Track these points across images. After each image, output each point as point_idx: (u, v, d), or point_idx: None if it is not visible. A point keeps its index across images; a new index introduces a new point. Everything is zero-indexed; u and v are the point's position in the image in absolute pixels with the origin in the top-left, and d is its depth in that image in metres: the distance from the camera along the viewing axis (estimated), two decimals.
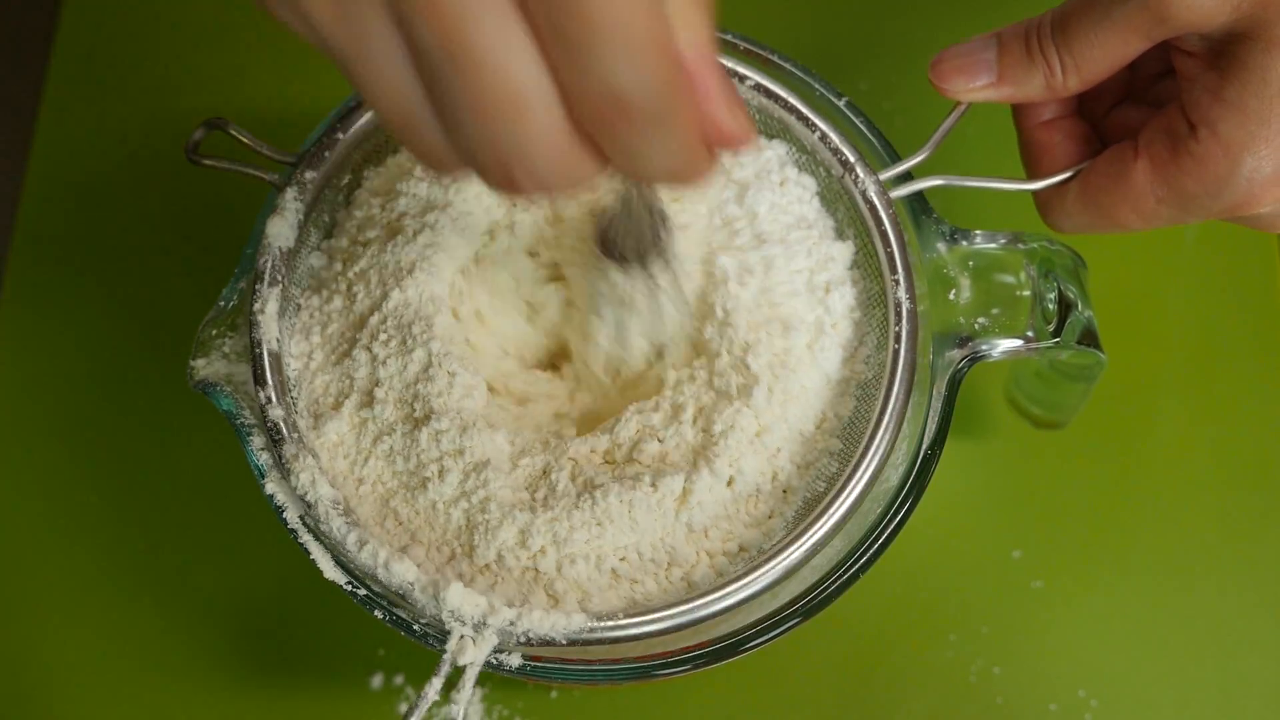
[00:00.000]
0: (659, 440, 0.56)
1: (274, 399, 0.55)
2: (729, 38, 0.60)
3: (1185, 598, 0.70)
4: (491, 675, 0.65)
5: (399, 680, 0.68)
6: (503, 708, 0.68)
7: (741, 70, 0.59)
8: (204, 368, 0.56)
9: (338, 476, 0.55)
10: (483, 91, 0.37)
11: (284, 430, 0.54)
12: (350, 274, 0.58)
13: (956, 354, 0.56)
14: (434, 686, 0.50)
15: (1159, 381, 0.74)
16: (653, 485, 0.54)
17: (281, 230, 0.57)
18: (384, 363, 0.56)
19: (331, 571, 0.53)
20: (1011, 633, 0.70)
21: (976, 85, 0.56)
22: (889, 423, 0.54)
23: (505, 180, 0.40)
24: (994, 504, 0.72)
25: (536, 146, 0.38)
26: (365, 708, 0.68)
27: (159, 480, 0.72)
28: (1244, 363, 0.75)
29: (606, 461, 0.57)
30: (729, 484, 0.55)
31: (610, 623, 0.51)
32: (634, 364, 0.59)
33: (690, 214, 0.59)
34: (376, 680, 0.68)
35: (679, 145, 0.39)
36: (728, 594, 0.52)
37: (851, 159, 0.58)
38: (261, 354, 0.55)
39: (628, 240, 0.52)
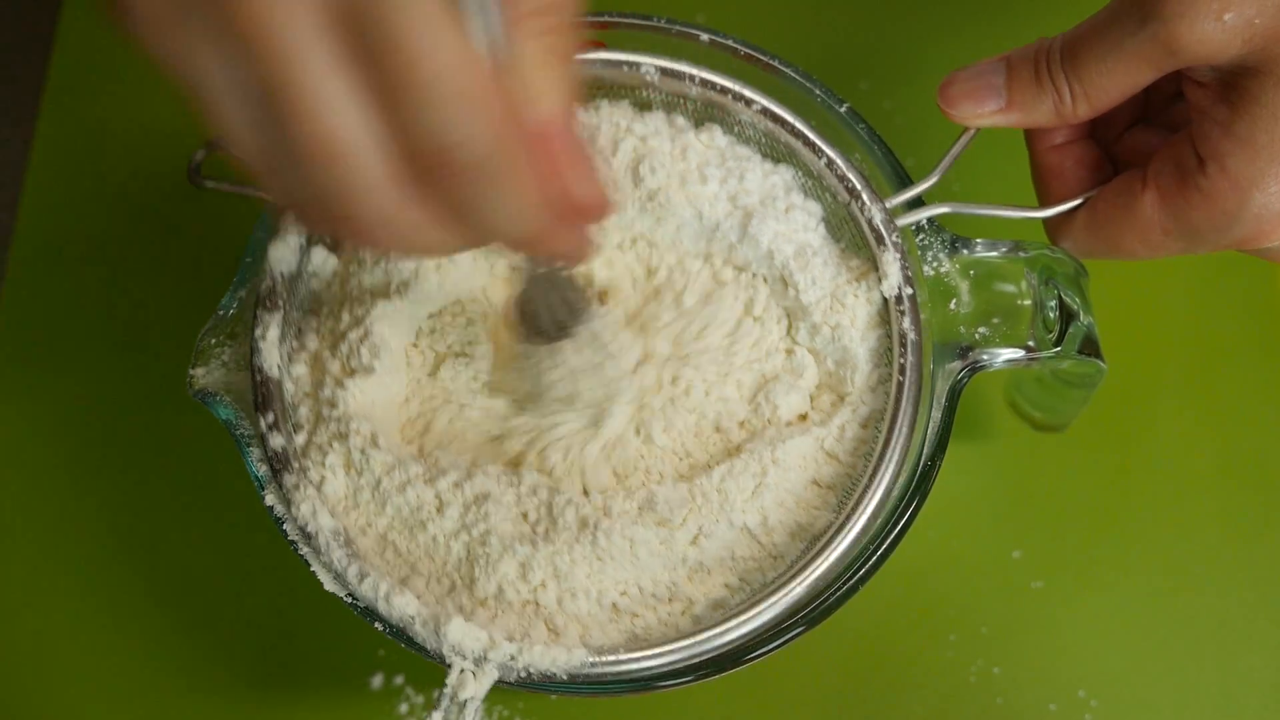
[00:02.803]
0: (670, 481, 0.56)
1: (275, 426, 0.54)
2: (729, 42, 0.60)
3: (1185, 598, 0.70)
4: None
5: (399, 680, 0.68)
6: (503, 708, 0.68)
7: (748, 94, 0.59)
8: (203, 376, 0.56)
9: (337, 506, 0.55)
10: (310, 134, 0.36)
11: (285, 459, 0.54)
12: (345, 294, 0.58)
13: (957, 365, 0.56)
14: None
15: (1159, 382, 0.74)
16: (658, 524, 0.54)
17: (283, 254, 0.56)
18: None
19: (332, 584, 0.53)
20: (1011, 633, 0.70)
21: (985, 111, 0.56)
22: (892, 455, 0.54)
23: (345, 230, 0.39)
24: (994, 505, 0.72)
25: (369, 195, 0.37)
26: (365, 708, 0.68)
27: (159, 486, 0.72)
28: (1243, 364, 0.74)
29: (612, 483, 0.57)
30: (735, 526, 0.55)
31: (610, 657, 0.52)
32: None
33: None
34: (377, 680, 0.68)
35: (519, 207, 0.38)
36: (728, 629, 0.52)
37: (858, 186, 0.58)
38: (263, 381, 0.55)
39: (548, 314, 0.52)
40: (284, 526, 0.54)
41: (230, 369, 0.56)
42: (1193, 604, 0.70)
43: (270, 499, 0.54)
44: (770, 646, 0.53)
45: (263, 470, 0.55)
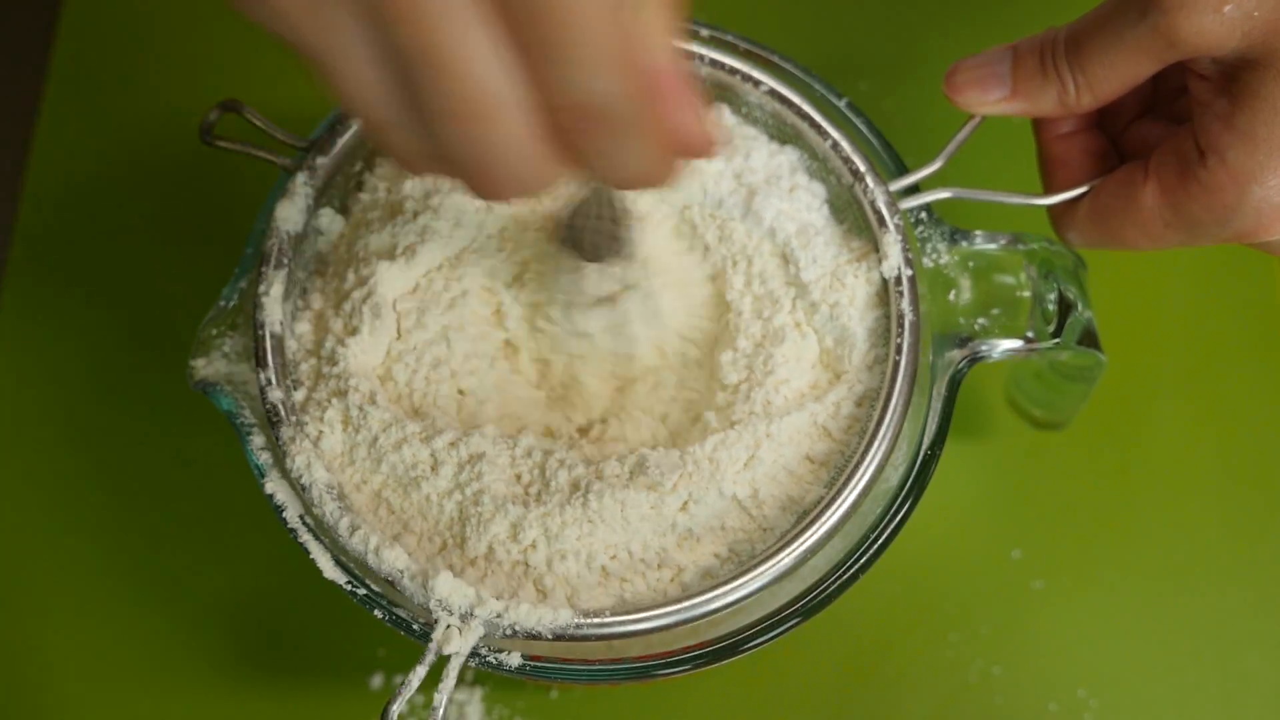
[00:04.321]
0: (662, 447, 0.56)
1: (274, 381, 0.55)
2: (729, 38, 0.60)
3: (1185, 598, 0.70)
4: (491, 675, 0.66)
5: (399, 680, 0.68)
6: (503, 708, 0.68)
7: (756, 75, 0.59)
8: (204, 368, 0.56)
9: (333, 461, 0.55)
10: (456, 96, 0.37)
11: (282, 412, 0.54)
12: (352, 255, 0.58)
13: (956, 354, 0.56)
14: (417, 674, 0.50)
15: (1159, 381, 0.74)
16: (648, 488, 0.54)
17: (290, 214, 0.57)
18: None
19: (331, 571, 0.53)
20: (1011, 633, 0.70)
21: (991, 99, 0.56)
22: (886, 432, 0.54)
23: (478, 183, 0.41)
24: (994, 504, 0.72)
25: (508, 151, 0.39)
26: (365, 708, 0.68)
27: (159, 480, 0.72)
28: (1244, 362, 0.75)
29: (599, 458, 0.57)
30: (725, 495, 0.55)
31: (596, 620, 0.51)
32: (640, 358, 0.59)
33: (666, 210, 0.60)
34: (376, 680, 0.68)
35: (647, 151, 0.40)
36: (716, 597, 0.52)
37: (862, 168, 0.58)
38: (264, 336, 0.55)
39: (593, 237, 0.53)
40: (284, 514, 0.54)
41: (232, 360, 0.56)
42: (1193, 604, 0.70)
43: (270, 487, 0.54)
44: (767, 637, 0.53)
45: (264, 459, 0.55)
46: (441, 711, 0.50)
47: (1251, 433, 0.73)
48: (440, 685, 0.50)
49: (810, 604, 0.53)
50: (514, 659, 0.52)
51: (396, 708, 0.50)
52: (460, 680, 0.68)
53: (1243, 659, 0.69)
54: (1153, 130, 0.58)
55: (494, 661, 0.52)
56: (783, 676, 0.69)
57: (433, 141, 0.39)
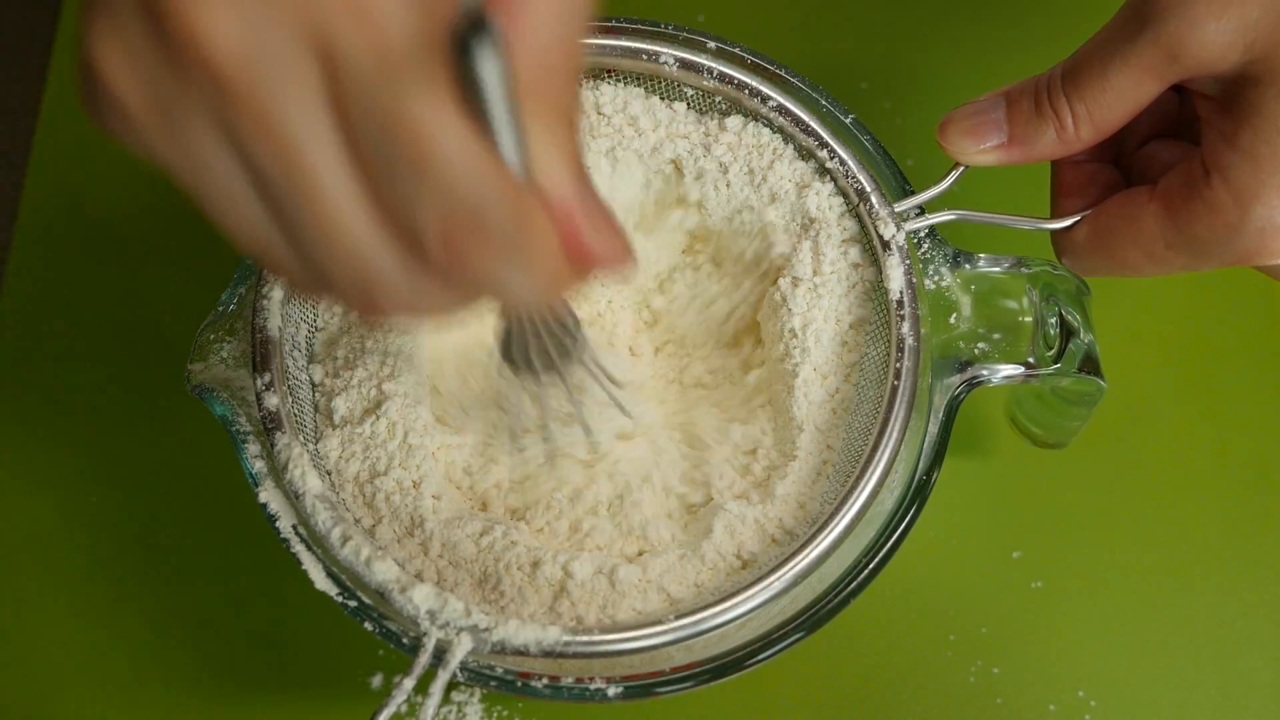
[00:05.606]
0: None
1: (271, 386, 0.54)
2: (737, 50, 0.60)
3: (1185, 598, 0.70)
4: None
5: (399, 680, 0.68)
6: (502, 708, 0.68)
7: (765, 90, 0.59)
8: (201, 372, 0.56)
9: (330, 457, 0.55)
10: (321, 230, 0.36)
11: (279, 420, 0.54)
12: None
13: (955, 379, 0.56)
14: (403, 687, 0.51)
15: (1159, 382, 0.74)
16: (639, 556, 0.54)
17: None
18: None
19: (323, 582, 0.53)
20: (1011, 633, 0.70)
21: (986, 146, 0.56)
22: (880, 458, 0.54)
23: (363, 303, 0.39)
24: (994, 504, 0.72)
25: (377, 280, 0.37)
26: (365, 708, 0.68)
27: (158, 484, 0.72)
28: (1243, 364, 0.74)
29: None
30: (719, 553, 0.55)
31: (585, 637, 0.51)
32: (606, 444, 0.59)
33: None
34: (376, 681, 0.68)
35: (534, 271, 0.38)
36: (706, 619, 0.52)
37: (867, 188, 0.57)
38: (263, 341, 0.55)
39: (527, 355, 0.51)
40: (277, 524, 0.54)
41: (229, 365, 0.56)
42: (1193, 604, 0.70)
43: (264, 496, 0.54)
44: (769, 652, 0.53)
45: (258, 466, 0.54)
46: None
47: (1251, 435, 0.73)
48: (427, 700, 0.51)
49: (810, 619, 0.54)
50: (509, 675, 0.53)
51: (383, 718, 0.50)
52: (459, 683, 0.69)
53: (1243, 659, 0.69)
54: (1164, 153, 0.57)
55: (485, 674, 0.53)
56: (783, 677, 0.69)
57: (310, 263, 0.38)
